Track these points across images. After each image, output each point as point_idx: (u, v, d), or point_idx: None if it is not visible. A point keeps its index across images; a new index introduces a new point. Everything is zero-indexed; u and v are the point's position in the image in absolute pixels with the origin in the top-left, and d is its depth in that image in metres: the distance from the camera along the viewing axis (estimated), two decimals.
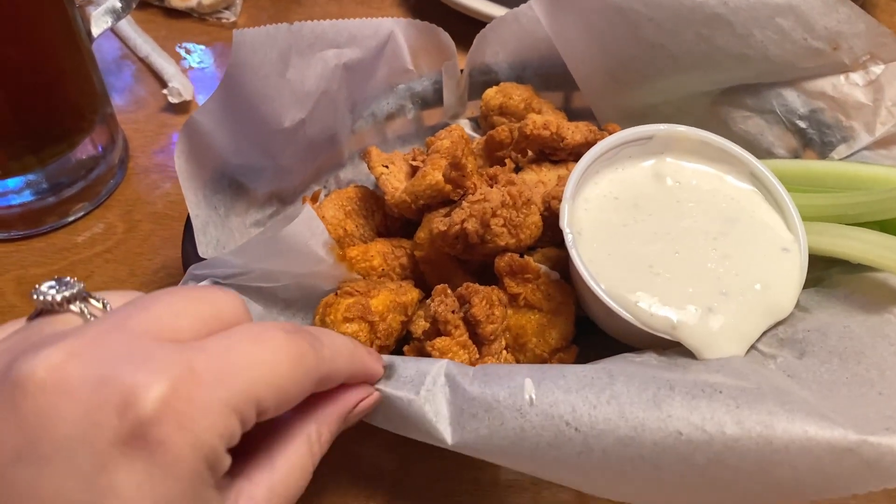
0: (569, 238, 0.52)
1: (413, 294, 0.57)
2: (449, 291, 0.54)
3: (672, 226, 0.53)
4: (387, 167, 0.61)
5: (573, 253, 0.51)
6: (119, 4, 0.73)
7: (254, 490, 0.37)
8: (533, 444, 0.43)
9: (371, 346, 0.53)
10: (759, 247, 0.53)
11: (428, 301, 0.54)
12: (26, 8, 0.62)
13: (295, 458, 0.39)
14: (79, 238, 0.73)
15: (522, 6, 0.67)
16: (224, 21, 0.96)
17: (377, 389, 0.45)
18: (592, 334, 0.56)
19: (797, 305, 0.52)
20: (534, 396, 0.44)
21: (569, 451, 0.43)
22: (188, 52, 0.93)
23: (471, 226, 0.54)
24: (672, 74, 0.65)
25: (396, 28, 0.65)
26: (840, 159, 0.63)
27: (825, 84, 0.64)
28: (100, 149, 0.75)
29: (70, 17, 0.68)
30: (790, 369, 0.47)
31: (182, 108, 0.85)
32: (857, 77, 0.63)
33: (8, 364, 0.31)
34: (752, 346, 0.50)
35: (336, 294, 0.54)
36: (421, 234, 0.59)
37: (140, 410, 0.30)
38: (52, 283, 0.36)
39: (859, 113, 0.63)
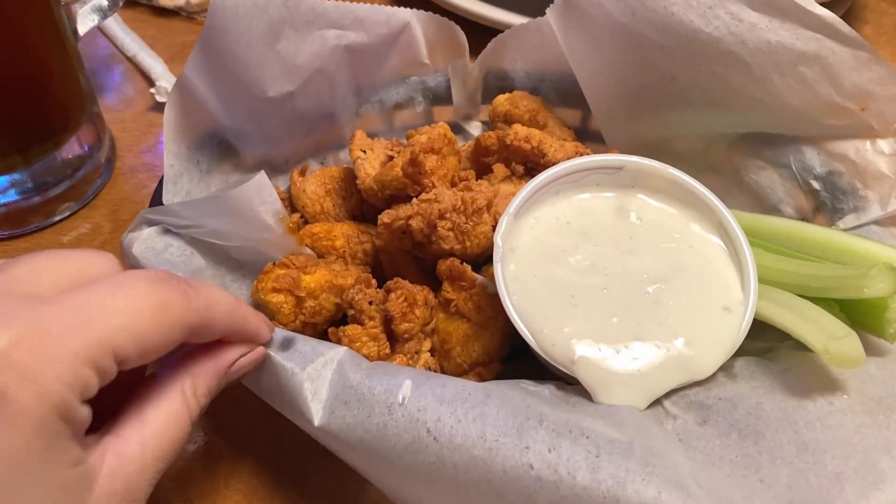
0: (497, 251, 0.50)
1: (355, 278, 0.57)
2: (374, 282, 0.54)
3: (613, 262, 0.51)
4: (364, 152, 0.61)
5: (497, 266, 0.50)
6: (105, 2, 0.74)
7: (122, 445, 0.37)
8: (391, 443, 0.43)
9: (294, 320, 0.54)
10: (698, 301, 0.49)
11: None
12: (11, 6, 0.62)
13: (167, 411, 0.39)
14: (65, 238, 0.72)
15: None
16: None
17: (265, 351, 0.46)
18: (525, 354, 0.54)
19: (726, 370, 0.48)
20: (407, 398, 0.43)
21: (422, 458, 0.42)
22: None
23: (415, 224, 0.53)
24: (683, 109, 0.62)
25: (414, 20, 0.65)
26: (845, 229, 0.57)
27: (848, 147, 0.58)
28: (86, 148, 0.74)
29: (55, 15, 0.68)
30: (685, 434, 0.44)
31: None
32: (884, 144, 0.57)
33: None
34: (658, 402, 0.46)
35: (274, 264, 0.55)
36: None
37: (4, 373, 0.30)
38: None
39: (878, 183, 0.57)
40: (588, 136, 0.69)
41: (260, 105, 0.60)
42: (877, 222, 0.57)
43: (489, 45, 0.68)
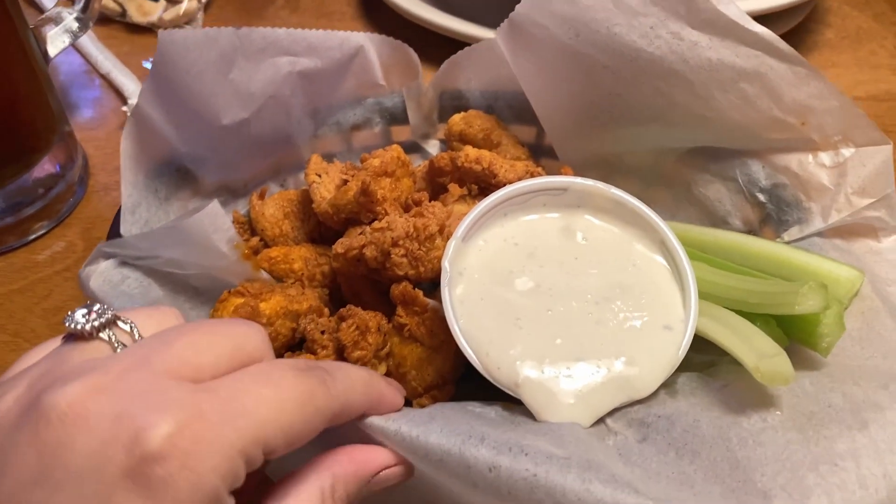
0: (445, 275, 0.51)
1: (311, 302, 0.58)
2: (326, 311, 0.55)
3: (557, 282, 0.52)
4: (319, 176, 0.62)
5: (444, 291, 0.51)
6: (76, 25, 0.75)
7: None
8: None
9: None
10: (640, 319, 0.50)
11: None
12: None
13: None
14: (39, 257, 0.74)
15: None
16: None
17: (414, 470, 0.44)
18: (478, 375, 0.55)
19: (668, 387, 0.49)
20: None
21: None
22: None
23: (369, 252, 0.55)
24: (630, 126, 0.63)
25: (368, 43, 0.66)
26: (789, 242, 0.59)
27: (791, 160, 0.60)
28: (58, 168, 0.76)
29: (22, 38, 0.69)
30: (625, 450, 0.45)
31: None
32: (825, 157, 0.59)
33: (39, 392, 0.33)
34: (601, 419, 0.48)
35: (230, 292, 0.56)
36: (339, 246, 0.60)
37: (146, 447, 0.31)
38: (84, 310, 0.38)
39: (820, 196, 0.59)
40: (543, 153, 0.71)
41: (215, 133, 0.61)
42: (819, 234, 0.58)
43: (443, 65, 0.69)
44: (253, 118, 0.62)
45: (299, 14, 1.04)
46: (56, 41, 0.75)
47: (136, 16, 1.00)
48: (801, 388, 0.46)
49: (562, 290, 0.51)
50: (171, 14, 0.99)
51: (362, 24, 1.02)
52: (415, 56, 0.68)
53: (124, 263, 0.56)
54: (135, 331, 0.38)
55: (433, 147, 0.73)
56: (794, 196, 0.60)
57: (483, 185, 0.62)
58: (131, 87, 0.89)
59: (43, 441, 0.32)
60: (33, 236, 0.75)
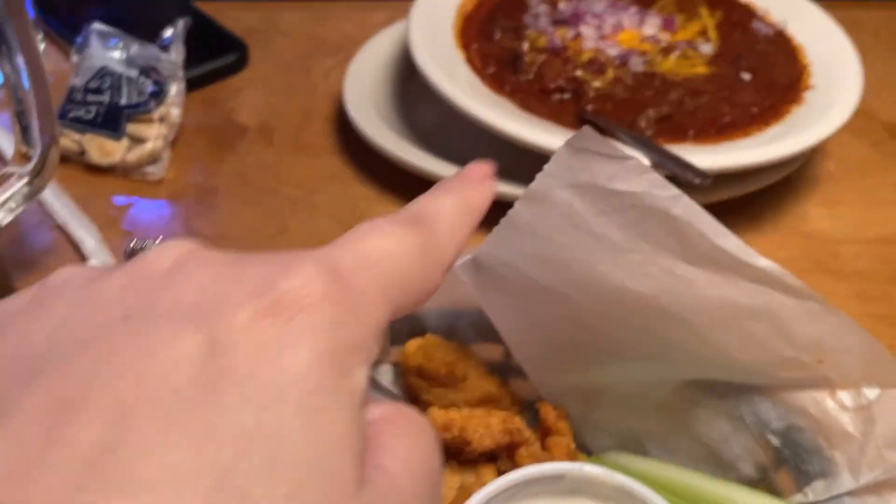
0: None
1: None
2: None
3: None
4: None
5: None
6: (26, 189, 0.66)
7: None
8: None
9: None
10: None
11: None
12: None
13: None
14: None
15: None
16: (150, 177, 0.87)
17: None
18: None
19: None
20: None
21: None
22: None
23: None
24: (618, 362, 0.54)
25: None
26: (816, 501, 0.50)
27: (806, 399, 0.52)
28: None
29: None
30: None
31: None
32: (845, 397, 0.51)
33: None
34: None
35: None
36: None
37: (303, 291, 0.24)
38: None
39: (844, 444, 0.50)
40: (512, 372, 0.61)
41: None
42: (851, 494, 0.50)
43: None
44: None
45: (274, 148, 0.93)
46: (2, 209, 0.66)
47: (96, 156, 0.88)
48: None
49: None
50: (135, 155, 0.86)
51: (340, 160, 0.92)
52: None
53: None
54: None
55: (385, 375, 0.63)
56: (814, 442, 0.51)
57: (454, 451, 0.52)
58: (90, 244, 0.76)
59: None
60: None
